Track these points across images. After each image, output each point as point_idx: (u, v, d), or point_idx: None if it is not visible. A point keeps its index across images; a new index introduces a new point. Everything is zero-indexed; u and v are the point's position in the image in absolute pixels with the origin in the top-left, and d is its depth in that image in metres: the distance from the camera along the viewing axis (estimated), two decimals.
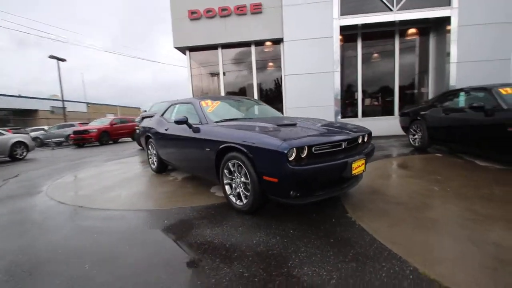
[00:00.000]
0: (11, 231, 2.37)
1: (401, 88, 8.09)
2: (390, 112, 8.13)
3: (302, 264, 1.60)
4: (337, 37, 7.23)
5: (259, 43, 8.29)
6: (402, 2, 7.01)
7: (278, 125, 2.57)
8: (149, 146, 4.57)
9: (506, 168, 3.55)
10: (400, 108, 8.08)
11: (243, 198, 2.47)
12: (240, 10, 7.77)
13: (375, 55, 8.18)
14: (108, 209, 2.81)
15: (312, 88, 7.37)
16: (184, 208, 2.72)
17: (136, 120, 8.66)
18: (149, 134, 4.41)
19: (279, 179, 2.09)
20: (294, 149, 2.05)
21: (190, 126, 3.15)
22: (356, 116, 8.22)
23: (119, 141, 14.04)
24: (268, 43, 8.25)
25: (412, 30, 7.82)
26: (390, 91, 8.18)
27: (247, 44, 8.29)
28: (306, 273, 1.52)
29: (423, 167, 3.94)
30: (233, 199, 2.60)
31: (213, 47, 8.40)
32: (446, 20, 6.99)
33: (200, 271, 1.59)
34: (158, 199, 3.09)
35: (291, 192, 2.13)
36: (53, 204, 3.13)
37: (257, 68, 8.43)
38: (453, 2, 6.79)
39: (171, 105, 4.17)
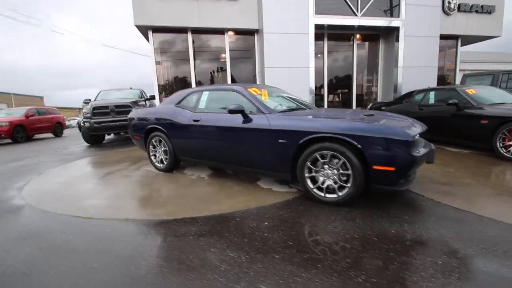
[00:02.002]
0: (82, 270, 1.65)
1: (357, 86, 9.17)
2: (349, 106, 9.12)
3: (466, 245, 1.71)
4: (312, 34, 7.60)
5: (234, 32, 7.93)
6: (364, 10, 7.89)
7: (365, 115, 2.59)
8: (154, 142, 3.85)
9: (472, 152, 4.54)
10: (358, 103, 9.19)
11: (337, 190, 2.40)
12: None
13: (337, 54, 9.00)
14: (171, 219, 2.27)
15: (290, 82, 7.55)
16: (264, 208, 2.45)
17: (84, 111, 7.07)
18: (158, 127, 3.71)
19: (397, 167, 2.13)
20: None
21: (246, 116, 2.83)
22: None
23: (35, 137, 11.19)
24: (243, 33, 7.99)
25: (367, 35, 8.91)
26: (349, 88, 9.16)
27: (220, 31, 7.82)
28: (484, 250, 1.63)
29: None
30: (320, 192, 2.49)
31: (182, 30, 7.58)
32: (395, 29, 8.26)
33: (407, 262, 1.51)
34: (216, 200, 2.68)
35: (401, 179, 2.22)
36: (78, 222, 2.30)
37: (231, 58, 8.07)
38: (402, 15, 8.07)
39: (191, 92, 3.61)
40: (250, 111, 2.92)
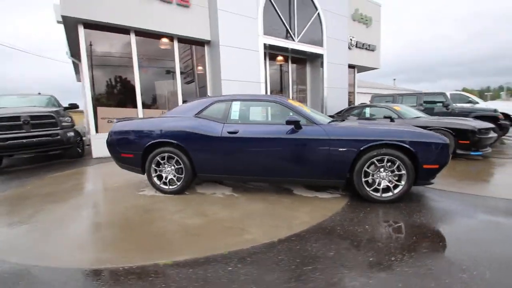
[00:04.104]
0: None
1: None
2: None
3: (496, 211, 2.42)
4: (261, 52, 8.09)
5: (183, 40, 7.43)
6: (299, 37, 9.09)
7: (396, 125, 3.12)
8: (159, 159, 3.20)
9: None
10: None
11: (392, 189, 2.79)
12: None
13: (277, 72, 9.89)
14: (276, 240, 2.04)
15: None
16: (340, 214, 2.56)
17: None
18: (170, 141, 3.12)
19: (440, 165, 2.72)
20: None
21: (300, 127, 2.87)
22: None
23: None
24: (193, 42, 7.60)
25: (299, 58, 10.22)
26: None
27: (169, 37, 7.17)
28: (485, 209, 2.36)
29: None
30: (376, 193, 2.81)
31: (124, 30, 6.49)
32: (320, 56, 9.88)
33: None
34: (289, 215, 2.55)
35: (436, 175, 2.83)
36: (174, 269, 1.68)
37: (181, 68, 7.48)
38: (324, 44, 9.77)
39: (214, 102, 3.24)
40: (312, 121, 2.97)
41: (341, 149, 2.79)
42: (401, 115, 6.06)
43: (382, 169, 2.79)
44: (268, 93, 9.41)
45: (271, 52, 9.34)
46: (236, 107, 3.19)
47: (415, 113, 6.46)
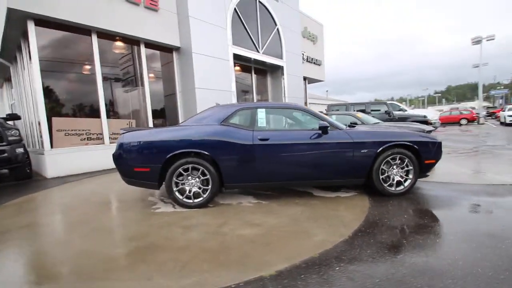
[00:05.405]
0: None
1: None
2: None
3: (462, 192, 3.10)
4: (231, 61, 8.16)
5: (150, 45, 6.93)
6: (263, 49, 9.52)
7: (400, 127, 3.63)
8: (182, 171, 2.96)
9: None
10: None
11: (403, 183, 3.24)
12: None
13: (241, 81, 10.05)
14: (350, 235, 2.16)
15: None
16: (375, 209, 2.85)
17: None
18: (196, 151, 2.93)
19: (436, 160, 3.31)
20: None
21: (327, 132, 3.10)
22: None
23: None
24: (160, 48, 7.16)
25: (261, 69, 10.63)
26: None
27: (135, 41, 6.59)
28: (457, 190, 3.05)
29: None
30: (391, 188, 3.22)
31: (85, 30, 5.70)
32: (280, 68, 10.51)
33: None
34: (336, 215, 2.71)
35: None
36: None
37: (148, 76, 6.92)
38: (284, 57, 10.45)
39: (239, 109, 3.18)
40: (336, 127, 3.22)
41: (364, 151, 3.12)
42: (363, 121, 6.93)
43: (394, 166, 3.23)
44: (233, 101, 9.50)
45: (236, 62, 9.49)
46: (261, 114, 3.21)
47: (373, 120, 7.48)
